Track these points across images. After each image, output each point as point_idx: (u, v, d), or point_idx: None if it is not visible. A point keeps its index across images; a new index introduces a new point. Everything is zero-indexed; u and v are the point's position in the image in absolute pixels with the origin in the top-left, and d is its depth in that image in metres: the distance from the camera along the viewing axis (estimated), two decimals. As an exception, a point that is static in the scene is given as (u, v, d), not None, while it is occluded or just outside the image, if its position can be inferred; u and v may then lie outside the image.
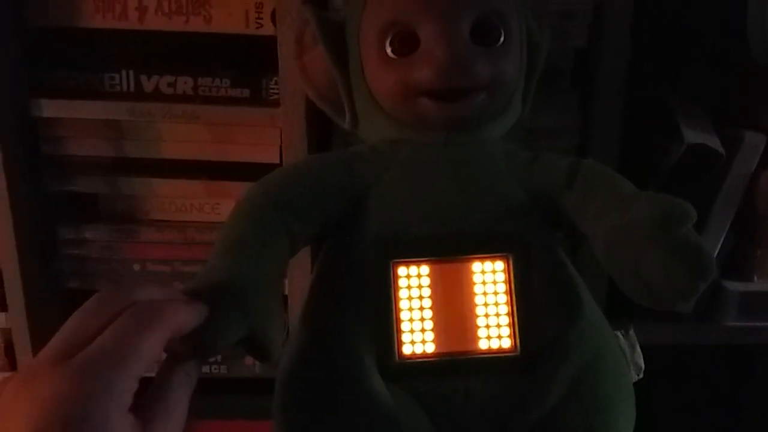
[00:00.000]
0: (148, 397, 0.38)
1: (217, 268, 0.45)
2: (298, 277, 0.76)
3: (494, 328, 0.50)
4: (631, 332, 0.67)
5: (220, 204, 0.80)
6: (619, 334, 0.66)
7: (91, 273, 0.83)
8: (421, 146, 0.54)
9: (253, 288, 0.44)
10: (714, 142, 0.74)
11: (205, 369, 0.78)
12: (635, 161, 0.73)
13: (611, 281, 0.48)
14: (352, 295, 0.50)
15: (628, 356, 0.65)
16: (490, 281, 0.51)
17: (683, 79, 0.83)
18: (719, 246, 0.79)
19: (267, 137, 0.77)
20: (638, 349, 0.66)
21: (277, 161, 0.76)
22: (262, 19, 0.74)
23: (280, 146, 0.75)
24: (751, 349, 0.86)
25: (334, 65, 0.57)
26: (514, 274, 0.50)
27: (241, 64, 0.78)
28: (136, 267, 0.82)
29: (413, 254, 0.50)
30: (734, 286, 0.81)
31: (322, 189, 0.52)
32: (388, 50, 0.52)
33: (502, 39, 0.53)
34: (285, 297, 0.79)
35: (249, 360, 0.85)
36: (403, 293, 0.50)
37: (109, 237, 0.81)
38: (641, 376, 0.63)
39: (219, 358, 0.84)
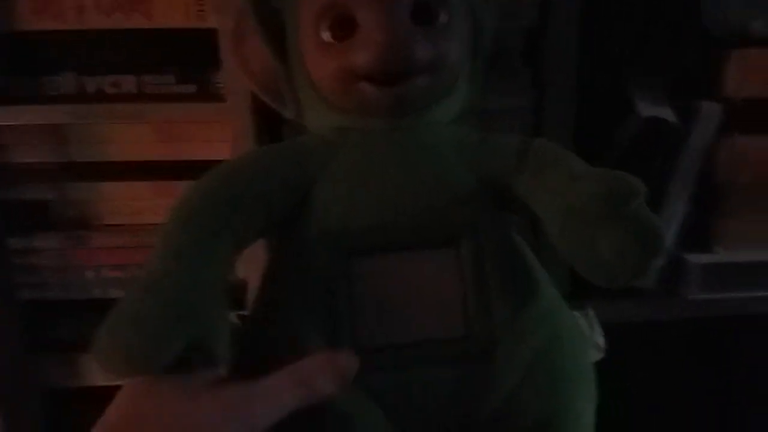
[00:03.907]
0: None
1: (153, 280, 0.43)
2: (255, 273, 0.73)
3: (448, 317, 0.49)
4: (590, 311, 0.66)
5: (171, 205, 0.78)
6: (578, 314, 0.66)
7: (44, 283, 0.81)
8: (366, 133, 0.53)
9: (192, 298, 0.42)
10: (669, 114, 0.73)
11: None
12: (591, 138, 0.72)
13: None
14: (301, 291, 0.48)
15: (588, 336, 0.64)
16: (441, 270, 0.49)
17: (636, 52, 0.82)
18: (680, 219, 0.79)
19: (216, 133, 0.76)
20: (598, 327, 0.65)
21: (227, 158, 0.74)
22: (203, 11, 0.73)
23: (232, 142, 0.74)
24: (715, 323, 0.85)
25: (273, 54, 0.55)
26: (465, 262, 0.49)
27: (186, 60, 0.76)
28: (90, 275, 0.81)
29: (362, 246, 0.49)
30: (696, 258, 0.80)
31: (266, 183, 0.50)
32: (326, 35, 0.51)
33: (444, 19, 0.51)
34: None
35: None
36: (353, 286, 0.48)
37: (60, 245, 0.80)
38: (603, 354, 0.62)
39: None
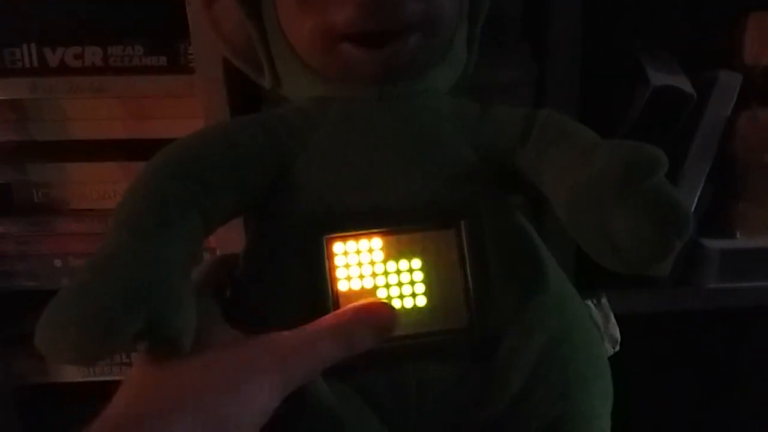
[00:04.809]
0: None
1: (105, 255, 0.39)
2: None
3: (447, 307, 0.46)
4: (603, 300, 0.64)
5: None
6: (590, 303, 0.64)
7: (8, 271, 0.79)
8: (351, 103, 0.49)
9: (148, 275, 0.38)
10: (683, 83, 0.70)
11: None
12: (598, 112, 0.68)
13: (579, 248, 0.45)
14: (283, 278, 0.45)
15: (602, 328, 0.63)
16: (438, 255, 0.46)
17: (647, 19, 0.79)
18: (695, 201, 0.76)
19: (188, 109, 0.72)
20: (612, 319, 0.63)
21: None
22: (172, -24, 0.68)
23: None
24: (734, 313, 0.83)
25: (246, 16, 0.51)
26: (466, 246, 0.46)
27: (155, 30, 0.73)
28: (57, 263, 0.78)
29: (349, 228, 0.45)
30: (714, 244, 0.77)
31: (237, 157, 0.47)
32: None
33: None
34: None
35: None
36: (340, 273, 0.45)
37: (25, 231, 0.77)
38: (617, 348, 0.60)
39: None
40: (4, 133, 0.74)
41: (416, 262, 0.46)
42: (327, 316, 0.40)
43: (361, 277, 0.45)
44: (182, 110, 0.72)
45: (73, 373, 0.81)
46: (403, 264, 0.45)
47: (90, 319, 0.34)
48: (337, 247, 0.45)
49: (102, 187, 0.76)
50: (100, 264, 0.38)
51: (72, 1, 0.71)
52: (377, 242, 0.45)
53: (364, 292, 0.45)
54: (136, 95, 0.72)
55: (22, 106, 0.72)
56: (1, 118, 0.73)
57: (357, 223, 0.45)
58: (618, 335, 0.61)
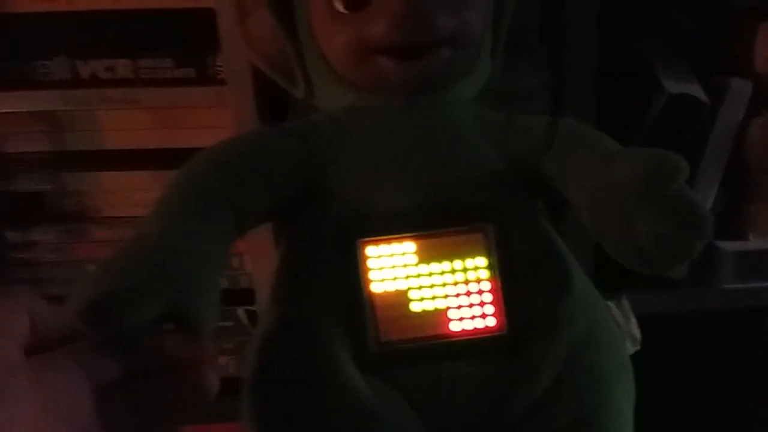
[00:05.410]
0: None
1: (140, 236, 0.41)
2: (264, 269, 0.73)
3: (477, 306, 0.47)
4: (624, 301, 0.66)
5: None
6: (611, 304, 0.63)
7: (41, 278, 0.80)
8: (382, 112, 0.51)
9: (178, 258, 0.39)
10: (697, 91, 0.71)
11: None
12: (614, 119, 0.69)
13: (597, 250, 0.46)
14: (320, 281, 0.46)
15: (623, 327, 0.64)
16: (468, 256, 0.47)
17: (660, 28, 0.80)
18: (710, 204, 0.76)
19: (218, 119, 0.73)
20: (633, 319, 0.65)
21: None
22: (201, -9, 0.70)
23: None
24: (749, 312, 0.83)
25: (281, 28, 0.52)
26: (495, 247, 0.47)
27: (184, 42, 0.74)
28: (91, 269, 0.77)
29: (382, 232, 0.47)
30: (729, 246, 0.78)
31: (272, 160, 0.48)
32: (339, 5, 0.48)
33: None
34: (252, 290, 0.77)
35: (222, 359, 0.82)
36: (374, 275, 0.46)
37: (58, 238, 0.78)
38: (638, 347, 0.62)
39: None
40: (37, 144, 0.75)
41: (447, 265, 0.47)
42: None
43: (395, 279, 0.46)
44: (211, 120, 0.73)
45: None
46: (435, 266, 0.46)
47: (117, 292, 0.35)
48: (371, 250, 0.46)
49: (133, 195, 0.77)
50: (132, 246, 0.40)
51: (103, 15, 0.71)
52: (409, 245, 0.46)
53: (397, 294, 0.46)
54: (166, 106, 0.73)
55: (55, 118, 0.73)
56: (35, 129, 0.74)
57: (389, 227, 0.47)
58: (638, 335, 0.62)
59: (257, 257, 0.73)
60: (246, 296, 0.79)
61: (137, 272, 0.37)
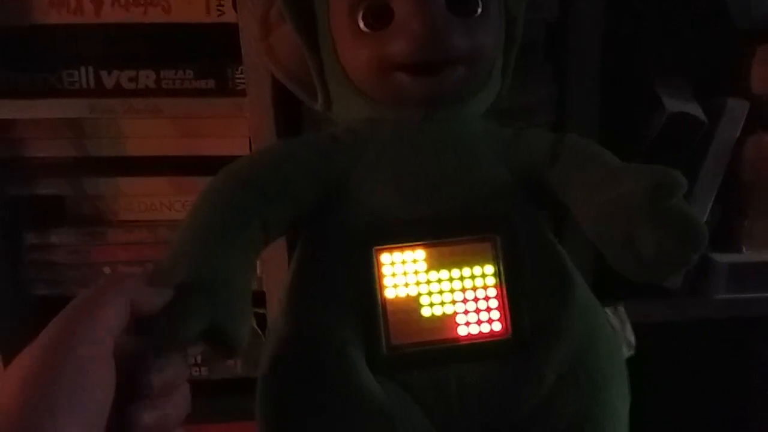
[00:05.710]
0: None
1: (179, 256, 0.43)
2: (275, 272, 0.74)
3: (485, 312, 0.49)
4: (621, 308, 0.67)
5: (189, 201, 0.75)
6: (608, 311, 0.65)
7: (59, 279, 0.80)
8: (399, 125, 0.52)
9: (217, 278, 0.42)
10: (696, 110, 0.72)
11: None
12: (615, 135, 0.71)
13: (597, 260, 0.47)
14: (335, 286, 0.48)
15: (619, 333, 0.64)
16: (477, 264, 0.49)
17: (661, 47, 0.81)
18: (706, 217, 0.78)
19: (235, 129, 0.75)
20: (628, 325, 0.66)
21: (247, 153, 0.73)
22: (223, 6, 0.72)
23: (250, 137, 0.73)
24: (741, 323, 0.84)
25: (304, 43, 0.54)
26: (502, 256, 0.49)
27: (204, 55, 0.75)
28: (107, 270, 0.80)
29: (396, 240, 0.49)
30: (722, 258, 0.79)
31: (294, 172, 0.50)
32: (361, 24, 0.50)
33: (479, 10, 0.51)
34: (262, 293, 0.77)
35: (230, 361, 0.83)
36: (388, 281, 0.48)
37: (76, 240, 0.79)
38: (633, 352, 0.63)
39: (199, 359, 0.82)
40: (62, 149, 0.76)
41: (456, 272, 0.48)
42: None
43: (406, 285, 0.48)
44: (229, 130, 0.74)
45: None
46: (444, 273, 0.48)
47: (165, 314, 0.38)
48: (385, 257, 0.48)
49: (150, 200, 0.78)
50: (175, 265, 0.42)
51: (128, 28, 0.73)
52: (420, 253, 0.48)
53: (408, 299, 0.48)
54: (186, 115, 0.74)
55: (80, 125, 0.75)
56: (60, 135, 0.75)
57: (403, 236, 0.48)
58: (633, 340, 0.63)
59: (268, 261, 0.74)
60: (255, 299, 0.80)
61: (183, 293, 0.39)
